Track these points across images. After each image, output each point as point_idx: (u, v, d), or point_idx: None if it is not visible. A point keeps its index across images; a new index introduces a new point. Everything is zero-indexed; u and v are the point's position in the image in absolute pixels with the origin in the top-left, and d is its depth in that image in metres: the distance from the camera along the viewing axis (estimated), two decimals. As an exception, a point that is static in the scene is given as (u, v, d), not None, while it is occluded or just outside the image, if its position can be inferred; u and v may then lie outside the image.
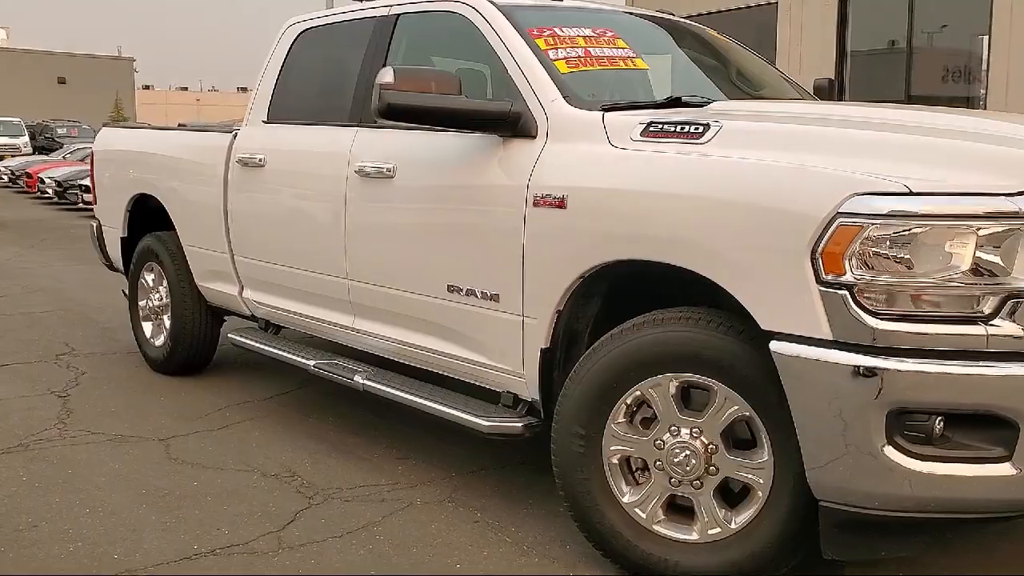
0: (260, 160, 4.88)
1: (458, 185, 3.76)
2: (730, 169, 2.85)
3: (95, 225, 6.72)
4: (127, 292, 6.63)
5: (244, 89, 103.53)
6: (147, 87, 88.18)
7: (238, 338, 5.23)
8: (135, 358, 6.44)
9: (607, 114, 3.37)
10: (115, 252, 6.52)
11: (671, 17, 4.65)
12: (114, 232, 6.43)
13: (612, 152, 3.23)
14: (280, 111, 5.00)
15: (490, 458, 4.44)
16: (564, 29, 3.88)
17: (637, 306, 3.34)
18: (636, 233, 3.07)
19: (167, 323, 5.98)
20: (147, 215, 6.26)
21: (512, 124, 3.56)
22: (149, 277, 6.13)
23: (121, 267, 6.56)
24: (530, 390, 3.60)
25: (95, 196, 6.70)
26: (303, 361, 4.67)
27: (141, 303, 6.22)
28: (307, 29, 4.98)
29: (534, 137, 3.52)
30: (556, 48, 3.73)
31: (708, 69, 4.49)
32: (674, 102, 3.59)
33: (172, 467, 4.35)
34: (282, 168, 4.76)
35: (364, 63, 4.46)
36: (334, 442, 4.72)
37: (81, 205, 19.93)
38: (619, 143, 3.23)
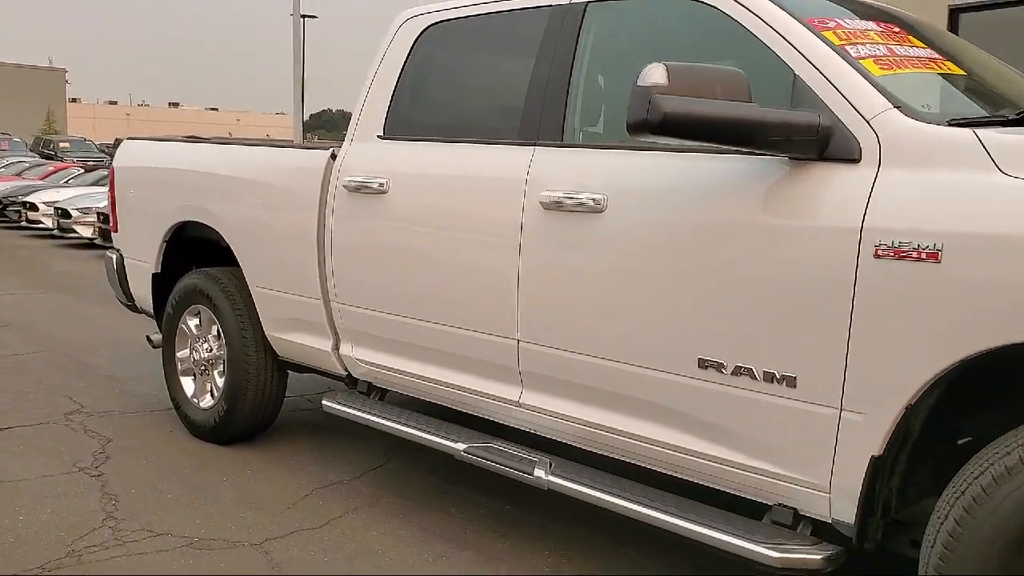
0: (381, 185, 3.86)
1: (723, 224, 2.80)
2: None
3: (114, 257, 5.58)
4: (153, 338, 5.51)
5: (175, 104, 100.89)
6: (74, 100, 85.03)
7: (335, 405, 4.16)
8: (164, 419, 5.32)
9: (981, 132, 2.44)
10: (142, 290, 5.38)
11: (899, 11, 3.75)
12: (143, 266, 5.31)
13: (1014, 184, 2.30)
14: (402, 125, 3.98)
15: (693, 569, 3.47)
16: (848, 21, 2.96)
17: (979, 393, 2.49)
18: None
19: (218, 380, 4.88)
20: (186, 246, 5.18)
21: (820, 143, 2.62)
22: (193, 322, 5.02)
23: (150, 309, 5.42)
24: (837, 509, 2.64)
25: (115, 222, 5.56)
26: (446, 443, 3.63)
27: (180, 354, 5.10)
28: (435, 24, 3.98)
29: (856, 161, 2.58)
30: (853, 44, 2.81)
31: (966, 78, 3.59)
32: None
33: (291, 591, 3.29)
34: (416, 196, 3.75)
35: (537, 66, 3.48)
36: (480, 547, 3.70)
37: (24, 224, 18.39)
38: (1020, 172, 2.31)
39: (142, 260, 5.32)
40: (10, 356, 7.02)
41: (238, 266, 4.71)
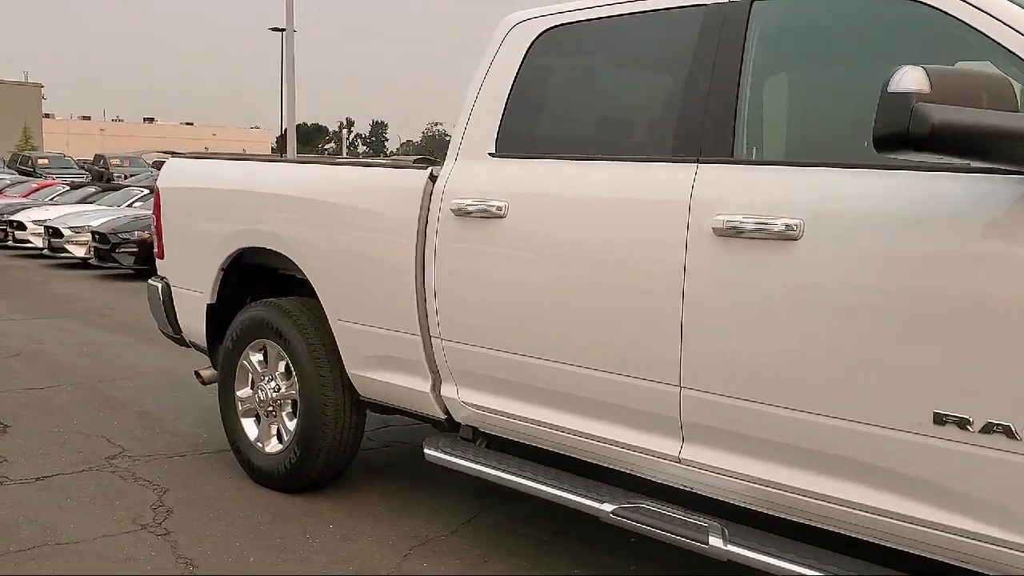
0: (497, 209, 3.43)
1: (966, 254, 2.40)
2: None
3: (160, 286, 5.10)
4: (204, 374, 5.06)
5: (151, 119, 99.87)
6: (47, 115, 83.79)
7: (440, 454, 3.72)
8: (218, 463, 4.87)
9: None
10: (193, 322, 4.91)
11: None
12: (195, 296, 4.84)
13: None
14: (519, 141, 3.57)
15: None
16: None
17: None
18: None
19: (287, 422, 4.42)
20: (242, 274, 4.73)
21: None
22: (256, 358, 4.56)
23: (200, 342, 4.95)
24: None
25: (160, 248, 5.09)
26: (589, 503, 3.20)
27: (241, 393, 4.63)
28: (554, 28, 3.56)
29: None
30: (1108, 48, 2.42)
31: None
32: None
33: None
34: (543, 220, 3.32)
35: (693, 73, 3.07)
36: (622, 617, 3.27)
37: (11, 243, 17.73)
38: None
39: (193, 289, 4.85)
40: (29, 390, 6.51)
41: (309, 296, 4.29)
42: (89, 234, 14.76)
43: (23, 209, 18.37)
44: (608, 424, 3.22)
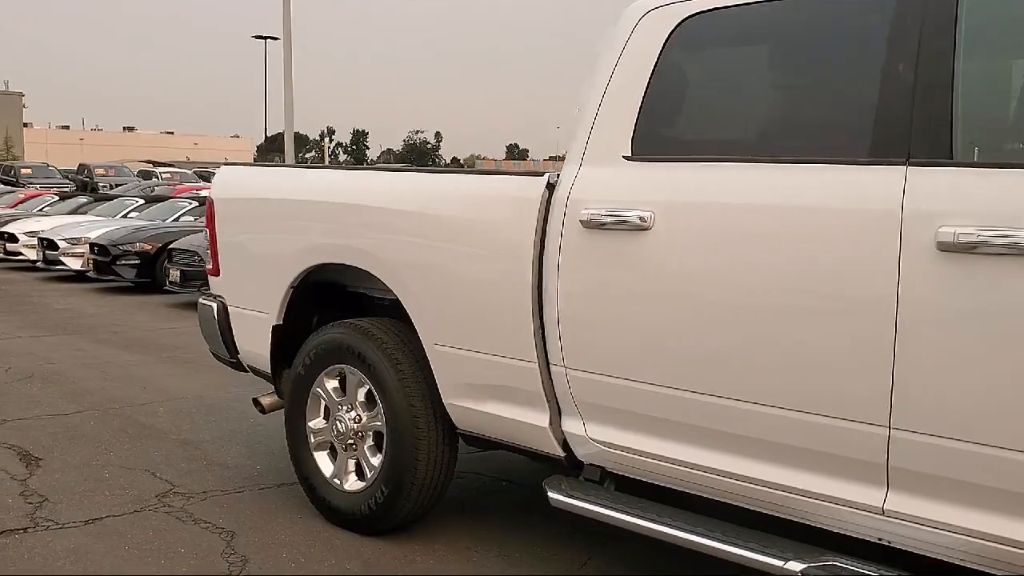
0: (641, 219, 3.00)
1: None
2: None
3: (215, 305, 4.63)
4: (264, 402, 4.60)
5: (131, 128, 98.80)
6: (25, 125, 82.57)
7: (570, 500, 3.27)
8: (281, 500, 4.43)
9: None
10: (254, 345, 4.45)
11: None
12: (258, 318, 4.38)
13: None
14: (662, 141, 3.15)
15: None
16: None
17: None
18: None
19: (370, 456, 3.96)
20: (308, 292, 4.29)
21: None
22: (331, 385, 4.10)
23: (261, 366, 4.50)
24: None
25: (216, 264, 4.62)
26: (771, 560, 2.76)
27: (313, 423, 4.18)
28: (697, 14, 3.14)
29: None
30: None
31: None
32: None
33: None
34: (702, 233, 2.90)
35: (891, 59, 2.67)
36: None
37: (2, 256, 17.10)
38: None
39: (256, 309, 4.40)
40: (54, 417, 6.01)
41: (392, 317, 3.86)
42: (86, 246, 14.21)
43: (13, 221, 17.77)
44: (789, 469, 2.79)
